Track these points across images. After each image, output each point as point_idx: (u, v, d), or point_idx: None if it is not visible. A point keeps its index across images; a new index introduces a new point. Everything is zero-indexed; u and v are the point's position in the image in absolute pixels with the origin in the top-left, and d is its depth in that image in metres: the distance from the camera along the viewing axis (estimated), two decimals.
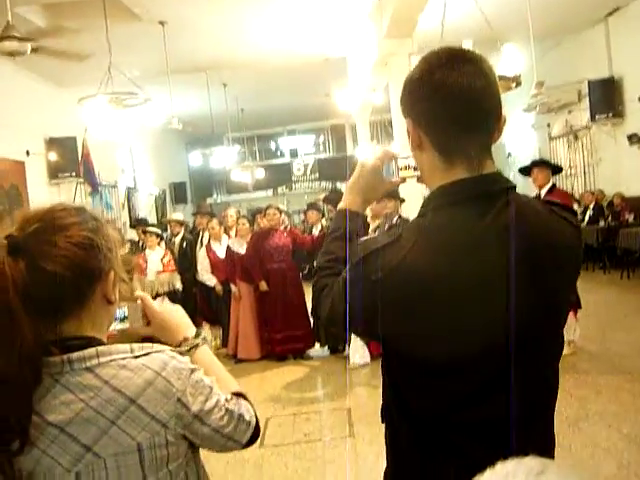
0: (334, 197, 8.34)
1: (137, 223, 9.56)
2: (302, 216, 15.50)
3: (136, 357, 1.11)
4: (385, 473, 1.36)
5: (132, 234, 10.27)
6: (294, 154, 21.23)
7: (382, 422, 1.34)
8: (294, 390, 6.17)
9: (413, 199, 6.22)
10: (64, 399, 1.06)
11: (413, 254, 1.13)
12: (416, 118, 1.23)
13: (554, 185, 6.25)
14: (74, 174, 10.44)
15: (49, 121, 10.25)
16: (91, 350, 1.09)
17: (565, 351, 5.94)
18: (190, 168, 20.98)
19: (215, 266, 7.85)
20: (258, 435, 1.26)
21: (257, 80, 12.38)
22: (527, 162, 6.47)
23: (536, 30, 8.61)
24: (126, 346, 1.12)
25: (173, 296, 7.28)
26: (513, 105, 13.55)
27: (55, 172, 10.35)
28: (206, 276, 7.96)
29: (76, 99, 6.85)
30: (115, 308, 1.22)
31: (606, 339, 6.57)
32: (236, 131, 16.23)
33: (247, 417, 1.23)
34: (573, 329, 6.01)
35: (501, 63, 5.98)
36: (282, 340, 7.27)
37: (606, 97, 11.23)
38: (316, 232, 8.30)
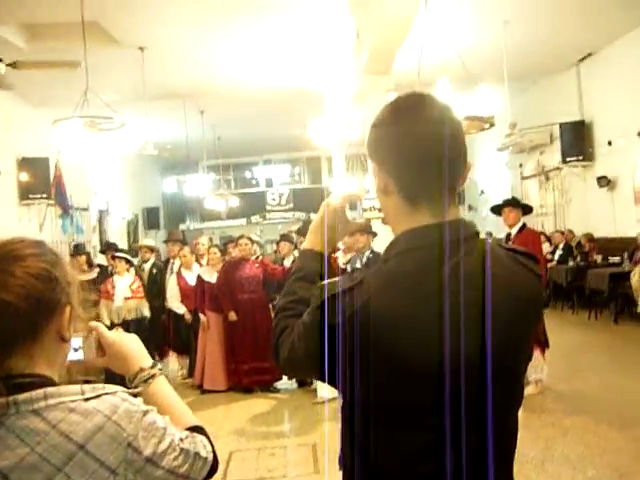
0: (306, 229, 8.32)
1: (107, 248, 9.42)
2: (274, 246, 15.47)
3: (86, 399, 1.07)
4: None
5: (102, 259, 10.11)
6: (269, 184, 21.28)
7: (339, 470, 1.31)
8: (259, 423, 6.07)
9: (386, 234, 6.23)
10: (9, 443, 1.01)
11: (374, 299, 1.12)
12: (382, 163, 1.24)
13: (524, 225, 6.33)
14: (45, 195, 10.30)
15: (22, 141, 10.13)
16: (39, 392, 1.05)
17: (532, 390, 5.98)
18: (164, 194, 20.88)
19: (185, 294, 7.78)
20: (216, 470, 1.23)
21: (235, 109, 12.41)
22: (500, 199, 6.56)
23: (510, 72, 8.82)
24: (77, 387, 1.08)
25: (141, 323, 7.16)
26: (487, 144, 13.80)
27: (26, 193, 10.18)
28: (175, 304, 7.87)
29: (50, 120, 6.77)
30: (68, 347, 1.18)
31: (573, 379, 6.60)
32: (212, 158, 16.21)
33: (203, 454, 1.20)
34: (540, 368, 6.04)
35: (475, 103, 6.08)
36: (249, 372, 7.18)
37: (577, 140, 11.48)
38: (288, 263, 8.27)
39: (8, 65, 6.53)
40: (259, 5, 7.21)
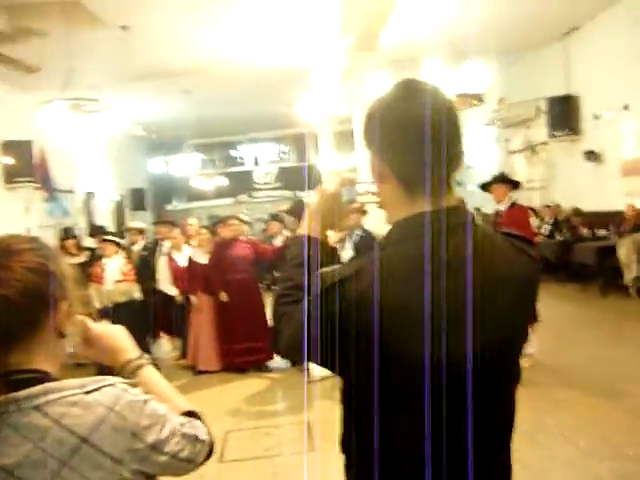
0: (296, 209, 8.32)
1: (95, 232, 9.36)
2: (263, 225, 15.44)
3: (87, 392, 1.07)
4: None
5: (90, 242, 10.04)
6: (256, 162, 21.17)
7: (341, 452, 1.33)
8: (254, 403, 6.12)
9: (376, 211, 6.23)
10: (11, 441, 1.01)
11: (373, 286, 1.13)
12: (378, 151, 1.25)
13: (514, 201, 6.34)
14: (30, 179, 10.17)
15: (5, 124, 9.97)
16: (39, 387, 1.05)
17: (523, 364, 6.03)
18: (150, 175, 20.71)
19: (176, 276, 7.75)
20: (212, 451, 1.27)
21: (220, 87, 12.29)
22: (487, 174, 6.55)
23: (497, 46, 8.79)
24: (77, 381, 1.08)
25: (132, 306, 7.14)
26: (474, 119, 13.77)
27: (11, 177, 10.05)
28: (167, 286, 7.85)
29: (34, 103, 6.69)
30: (65, 342, 1.18)
31: (563, 352, 6.68)
32: (198, 138, 16.09)
33: (202, 437, 1.23)
34: (531, 342, 6.10)
35: (464, 79, 6.06)
36: (242, 352, 7.19)
37: (564, 114, 11.49)
38: (277, 243, 8.27)
39: None
40: None
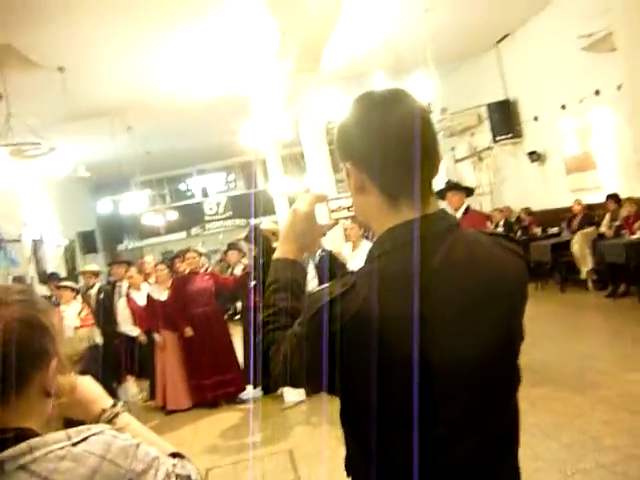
0: (252, 235, 8.23)
1: (48, 279, 9.10)
2: (219, 256, 15.29)
3: (75, 444, 1.00)
4: None
5: (42, 290, 9.75)
6: (205, 193, 21.02)
7: (347, 475, 1.29)
8: (231, 437, 5.97)
9: (332, 232, 6.23)
10: None
11: (370, 300, 1.10)
12: (357, 161, 1.21)
13: (468, 207, 6.43)
14: None
15: None
16: (23, 445, 0.97)
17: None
18: (98, 215, 20.31)
19: (137, 316, 7.58)
20: None
21: (162, 122, 12.19)
22: (436, 184, 6.61)
23: (435, 57, 8.95)
24: (62, 433, 1.01)
25: (94, 351, 6.92)
26: None
27: None
28: (128, 327, 7.66)
29: None
30: (51, 402, 1.10)
31: (531, 350, 6.74)
32: (144, 174, 15.88)
33: (194, 476, 1.18)
34: None
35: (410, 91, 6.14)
36: (212, 386, 7.05)
37: (504, 119, 11.80)
38: (237, 272, 8.16)
39: None
40: (177, 17, 7.08)
